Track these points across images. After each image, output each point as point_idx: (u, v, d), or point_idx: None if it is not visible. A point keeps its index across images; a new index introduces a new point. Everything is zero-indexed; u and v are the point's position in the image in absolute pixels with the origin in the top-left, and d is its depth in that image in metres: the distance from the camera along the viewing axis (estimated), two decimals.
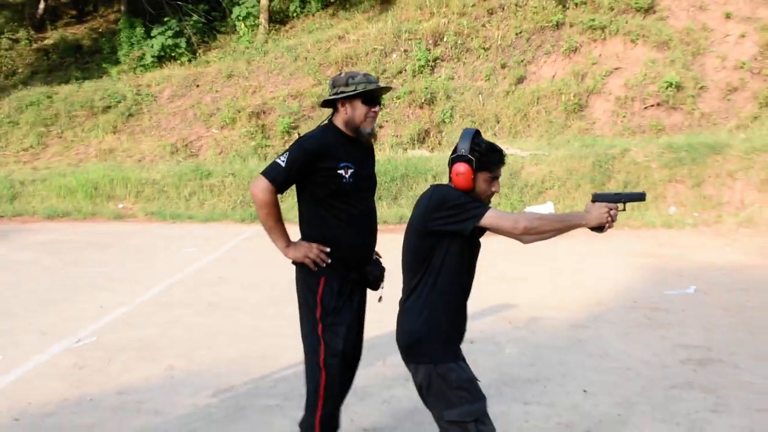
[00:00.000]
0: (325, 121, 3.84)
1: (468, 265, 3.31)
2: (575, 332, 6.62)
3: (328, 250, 3.66)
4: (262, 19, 22.04)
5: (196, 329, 6.85)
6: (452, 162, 3.25)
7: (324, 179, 3.66)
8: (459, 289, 3.30)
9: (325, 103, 3.83)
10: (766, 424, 4.57)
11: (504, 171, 3.73)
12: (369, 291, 3.90)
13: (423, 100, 17.59)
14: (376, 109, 3.76)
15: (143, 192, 15.63)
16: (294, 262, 3.73)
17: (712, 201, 13.35)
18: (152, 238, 12.55)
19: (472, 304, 3.44)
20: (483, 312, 7.09)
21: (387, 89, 3.91)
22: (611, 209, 3.17)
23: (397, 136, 17.19)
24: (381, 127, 17.05)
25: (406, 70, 18.34)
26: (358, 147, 3.79)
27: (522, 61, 18.08)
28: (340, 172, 3.65)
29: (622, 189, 13.69)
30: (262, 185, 3.64)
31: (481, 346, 6.14)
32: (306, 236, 3.75)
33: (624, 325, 6.85)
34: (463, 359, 3.32)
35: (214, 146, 17.86)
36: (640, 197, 3.32)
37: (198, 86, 19.62)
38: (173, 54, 21.52)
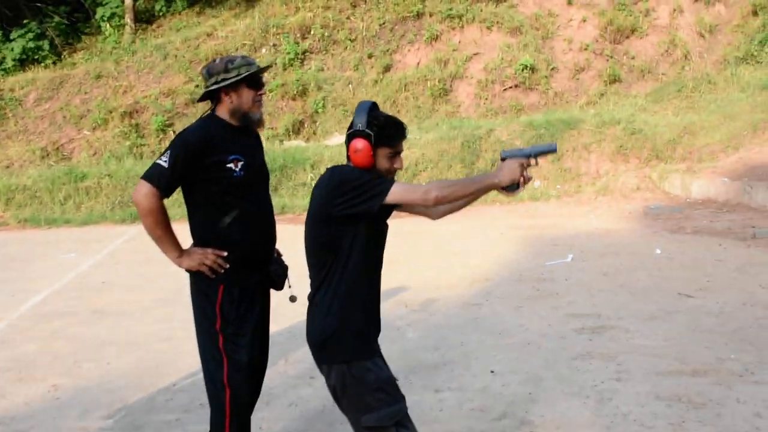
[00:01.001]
0: (207, 113, 3.25)
1: (377, 251, 2.83)
2: (470, 310, 6.30)
3: (225, 254, 3.09)
4: (128, 18, 20.60)
5: (81, 341, 6.03)
6: (349, 138, 2.75)
7: (213, 175, 3.09)
8: (370, 278, 2.82)
9: (204, 96, 3.24)
10: (668, 387, 4.37)
11: None
12: (273, 292, 3.37)
13: (295, 92, 16.99)
14: (263, 91, 3.23)
15: (14, 199, 14.20)
16: (189, 271, 3.14)
17: (572, 173, 13.52)
18: (27, 245, 11.37)
19: None
20: None
21: (267, 68, 3.39)
22: (523, 164, 2.75)
23: (272, 128, 16.51)
24: (265, 120, 16.32)
25: (276, 63, 17.63)
26: (246, 136, 3.23)
27: (388, 50, 17.77)
28: (229, 165, 3.10)
29: (490, 166, 13.64)
30: (145, 190, 3.02)
31: (382, 333, 5.69)
32: (199, 241, 3.16)
33: (515, 298, 6.60)
34: (380, 355, 2.85)
35: (87, 148, 16.56)
36: (551, 149, 2.85)
37: (65, 88, 18.11)
38: (36, 56, 19.71)
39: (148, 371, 5.19)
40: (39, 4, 20.67)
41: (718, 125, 13.38)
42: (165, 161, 3.03)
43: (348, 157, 2.76)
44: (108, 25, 20.59)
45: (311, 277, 2.82)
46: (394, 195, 2.66)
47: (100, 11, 20.85)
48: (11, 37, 19.80)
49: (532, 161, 2.79)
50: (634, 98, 15.99)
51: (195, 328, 3.24)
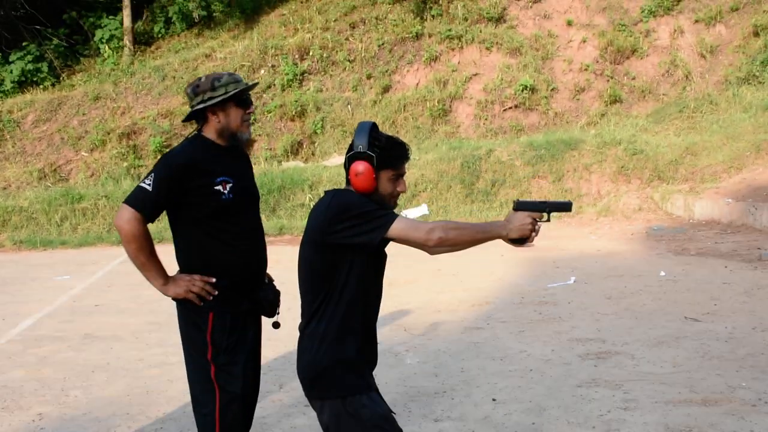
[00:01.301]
0: (192, 133, 3.10)
1: (375, 280, 2.67)
2: (471, 335, 6.12)
3: (213, 280, 2.92)
4: (127, 40, 20.59)
5: (70, 367, 5.83)
6: (349, 161, 2.59)
7: (200, 198, 2.93)
8: (366, 309, 2.65)
9: (190, 116, 3.08)
10: (678, 417, 4.18)
11: None
12: (264, 318, 3.20)
13: (294, 113, 16.91)
14: (251, 110, 3.08)
15: (10, 220, 14.05)
16: (175, 299, 2.97)
17: (572, 194, 13.38)
18: (22, 267, 11.20)
19: None
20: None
21: (255, 85, 3.25)
22: (535, 219, 2.58)
23: (270, 149, 16.42)
24: (254, 140, 16.23)
25: (275, 84, 17.58)
26: (234, 157, 3.07)
27: (386, 71, 17.71)
28: (217, 188, 2.93)
29: (490, 187, 13.52)
30: (128, 216, 2.85)
31: (381, 358, 5.50)
32: (186, 267, 2.99)
33: (516, 322, 6.42)
34: (376, 389, 2.68)
35: (85, 169, 16.45)
36: (566, 207, 2.70)
37: (64, 110, 18.03)
38: (35, 78, 19.67)
39: (138, 399, 5.00)
40: (38, 27, 20.66)
41: (720, 146, 13.25)
42: (148, 184, 2.87)
43: (348, 180, 2.61)
44: (107, 47, 20.58)
45: (303, 306, 2.66)
46: (395, 231, 2.51)
47: (99, 33, 20.86)
48: (10, 60, 19.77)
49: (545, 216, 2.62)
50: (634, 119, 15.89)
51: (184, 358, 3.07)
